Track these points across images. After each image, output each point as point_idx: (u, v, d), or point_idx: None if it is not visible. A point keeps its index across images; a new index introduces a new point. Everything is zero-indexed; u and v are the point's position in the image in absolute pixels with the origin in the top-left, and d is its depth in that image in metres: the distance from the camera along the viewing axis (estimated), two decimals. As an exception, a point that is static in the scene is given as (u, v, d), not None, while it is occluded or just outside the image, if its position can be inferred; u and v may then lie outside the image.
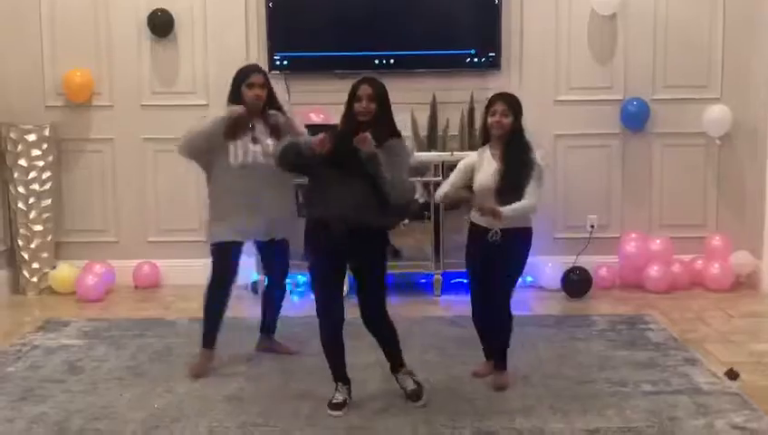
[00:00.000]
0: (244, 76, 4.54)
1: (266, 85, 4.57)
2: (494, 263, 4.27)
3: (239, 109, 4.49)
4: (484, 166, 4.32)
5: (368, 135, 3.89)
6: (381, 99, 4.03)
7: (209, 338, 4.68)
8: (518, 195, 4.18)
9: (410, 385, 4.19)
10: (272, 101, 4.63)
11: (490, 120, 4.31)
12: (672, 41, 6.44)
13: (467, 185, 4.39)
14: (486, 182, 4.28)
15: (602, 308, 5.89)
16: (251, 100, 4.50)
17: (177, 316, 5.71)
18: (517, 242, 4.28)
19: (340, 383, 4.16)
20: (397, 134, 4.13)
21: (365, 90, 4.01)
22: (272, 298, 4.92)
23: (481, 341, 4.59)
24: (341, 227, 3.93)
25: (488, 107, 4.35)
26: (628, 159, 6.54)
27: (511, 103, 4.32)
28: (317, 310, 4.12)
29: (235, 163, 4.49)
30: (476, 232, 4.35)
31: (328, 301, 4.10)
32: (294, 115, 4.85)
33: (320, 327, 4.14)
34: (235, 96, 4.54)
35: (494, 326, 4.44)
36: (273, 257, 4.80)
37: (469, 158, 4.47)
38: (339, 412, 4.06)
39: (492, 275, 4.31)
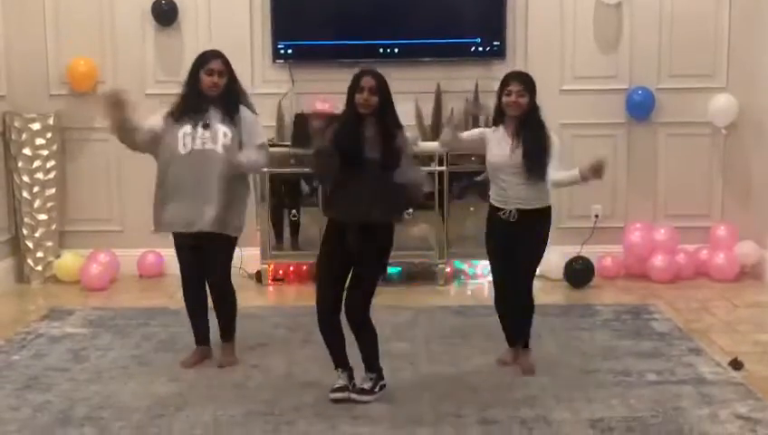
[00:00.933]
0: (203, 61, 4.46)
1: (226, 72, 4.45)
2: (517, 243, 4.27)
3: (111, 92, 4.36)
4: (500, 143, 4.31)
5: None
6: (383, 91, 4.01)
7: (196, 335, 4.67)
8: (542, 172, 4.22)
9: (362, 383, 4.13)
10: (232, 88, 4.49)
11: (505, 99, 4.29)
12: (678, 30, 6.41)
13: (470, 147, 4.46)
14: (502, 159, 4.28)
15: (607, 298, 5.88)
16: (207, 86, 4.41)
17: (182, 305, 5.68)
18: (540, 220, 4.32)
19: (340, 369, 4.15)
20: (398, 126, 4.10)
21: (367, 81, 3.98)
22: (215, 301, 4.63)
23: (503, 328, 4.55)
24: (356, 232, 3.95)
25: (503, 86, 4.33)
26: (633, 149, 6.52)
27: (526, 82, 4.30)
28: (317, 300, 4.10)
29: (184, 150, 4.36)
30: (492, 212, 4.37)
31: (328, 293, 4.08)
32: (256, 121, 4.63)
33: (318, 315, 4.11)
34: (192, 80, 4.46)
35: (520, 307, 4.42)
36: (214, 253, 4.50)
37: (484, 130, 4.47)
38: (338, 395, 4.07)
39: (516, 255, 4.30)
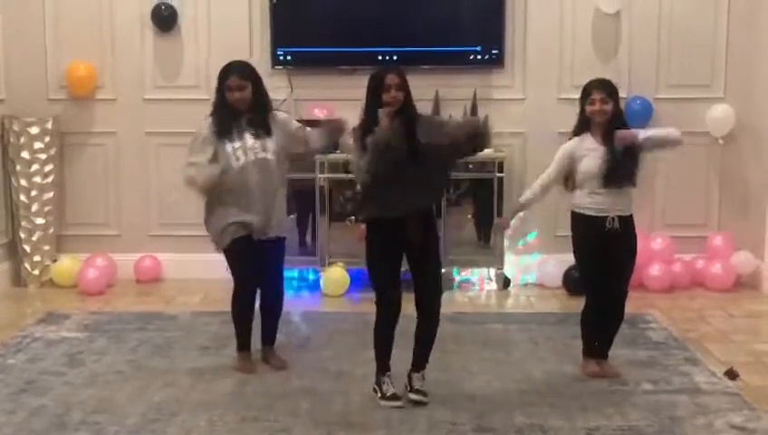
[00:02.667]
0: (223, 77, 4.46)
1: (249, 83, 4.43)
2: (618, 251, 4.35)
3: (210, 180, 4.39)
4: (591, 153, 4.33)
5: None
6: (406, 86, 4.04)
7: (240, 341, 4.66)
8: (631, 179, 4.32)
9: (417, 384, 4.17)
10: (259, 96, 4.50)
11: (590, 108, 4.34)
12: (676, 40, 6.43)
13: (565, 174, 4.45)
14: (596, 168, 4.30)
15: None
16: (233, 102, 4.42)
17: (178, 310, 5.71)
18: (632, 225, 4.41)
19: (388, 374, 4.16)
20: (418, 116, 4.13)
21: (393, 79, 3.99)
22: (272, 303, 4.69)
23: (592, 339, 4.53)
24: (417, 222, 3.99)
25: (585, 95, 4.38)
26: (630, 158, 6.53)
27: (608, 89, 4.36)
28: (383, 303, 4.10)
29: (237, 165, 4.39)
30: (588, 222, 4.37)
31: (395, 296, 4.10)
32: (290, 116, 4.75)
33: (384, 320, 4.12)
34: (220, 96, 4.47)
35: (617, 315, 4.47)
36: (276, 256, 4.62)
37: (568, 145, 4.45)
38: (397, 403, 4.09)
39: (616, 263, 4.36)
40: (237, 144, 4.40)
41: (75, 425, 3.91)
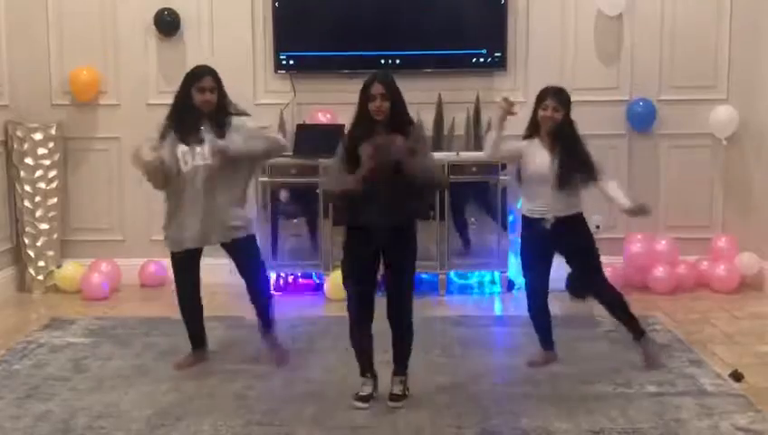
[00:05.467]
0: (194, 79, 4.54)
1: (216, 88, 4.55)
2: (566, 250, 4.57)
3: (147, 156, 4.49)
4: (537, 155, 4.49)
5: (395, 142, 3.96)
6: (393, 94, 4.05)
7: (195, 340, 4.81)
8: (576, 184, 4.46)
9: (394, 389, 4.20)
10: (223, 103, 4.59)
11: (542, 113, 4.47)
12: (679, 41, 6.43)
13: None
14: (542, 171, 4.45)
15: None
16: (200, 103, 4.51)
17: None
18: (578, 220, 4.56)
19: (368, 375, 4.20)
20: (411, 122, 4.16)
21: (377, 89, 4.01)
22: (255, 297, 4.80)
23: (539, 334, 4.73)
24: (386, 234, 4.00)
25: (539, 101, 4.50)
26: (634, 160, 6.53)
27: (561, 99, 4.48)
28: (352, 308, 4.16)
29: (186, 168, 4.49)
30: (535, 224, 4.53)
31: (365, 300, 4.13)
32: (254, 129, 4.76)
33: (354, 324, 4.18)
34: (184, 97, 4.55)
35: (608, 300, 4.69)
36: (242, 257, 4.71)
37: (518, 143, 4.58)
38: (364, 404, 4.13)
39: (573, 260, 4.64)
40: (187, 148, 4.49)
41: (80, 430, 3.92)
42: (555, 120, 4.45)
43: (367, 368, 4.22)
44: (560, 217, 4.47)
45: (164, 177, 4.50)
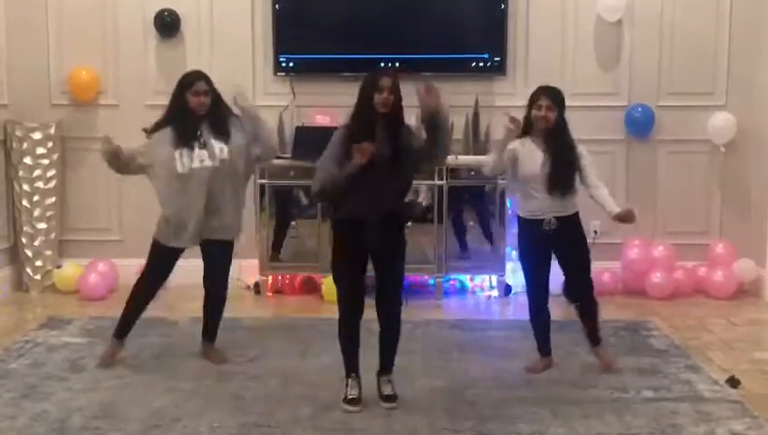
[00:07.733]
0: (188, 84, 4.61)
1: (210, 92, 4.61)
2: (559, 249, 4.56)
3: (109, 146, 4.63)
4: (530, 156, 4.47)
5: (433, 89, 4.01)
6: (398, 91, 4.08)
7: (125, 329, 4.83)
8: (569, 184, 4.45)
9: (385, 389, 4.21)
10: (218, 105, 4.66)
11: (535, 113, 4.44)
12: (678, 48, 6.44)
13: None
14: (534, 171, 4.44)
15: (605, 314, 5.81)
16: (195, 106, 4.58)
17: (180, 316, 5.71)
18: (575, 221, 4.56)
19: (353, 375, 4.20)
20: (403, 123, 4.19)
21: (386, 82, 4.03)
22: (214, 304, 4.85)
23: (538, 339, 4.73)
24: (376, 226, 4.01)
25: (533, 101, 4.48)
26: (632, 166, 6.54)
27: (556, 98, 4.46)
28: (343, 305, 4.16)
29: (183, 170, 4.55)
30: (525, 225, 4.56)
31: (356, 297, 4.14)
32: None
33: (344, 321, 4.18)
34: (179, 101, 4.61)
35: (587, 303, 4.74)
36: (217, 260, 4.77)
37: (511, 145, 4.54)
38: (355, 408, 4.13)
39: (567, 260, 4.62)
40: (185, 151, 4.56)
41: (77, 430, 3.91)
42: (548, 120, 4.43)
43: (354, 367, 4.21)
44: (558, 217, 4.48)
45: (123, 165, 4.67)
